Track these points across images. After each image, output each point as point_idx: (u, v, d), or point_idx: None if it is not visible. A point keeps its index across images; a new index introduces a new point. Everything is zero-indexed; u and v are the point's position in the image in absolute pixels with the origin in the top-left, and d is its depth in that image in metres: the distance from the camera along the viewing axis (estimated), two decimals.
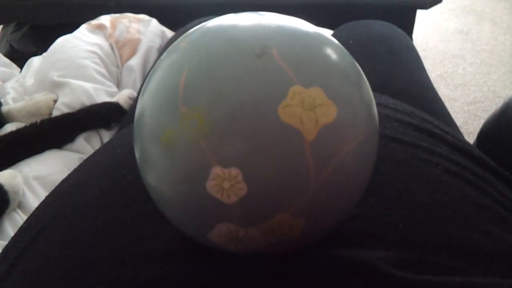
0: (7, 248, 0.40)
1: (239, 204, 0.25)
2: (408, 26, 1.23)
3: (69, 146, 0.84)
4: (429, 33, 2.20)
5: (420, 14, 1.26)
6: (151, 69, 0.91)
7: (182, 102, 0.25)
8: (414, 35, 1.28)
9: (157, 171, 0.27)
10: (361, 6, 1.21)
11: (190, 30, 0.30)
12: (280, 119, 0.24)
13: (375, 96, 0.53)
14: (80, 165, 0.47)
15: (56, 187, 0.45)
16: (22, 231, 0.41)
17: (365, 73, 0.75)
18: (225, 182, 0.24)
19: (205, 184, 0.25)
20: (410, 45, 0.84)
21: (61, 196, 0.43)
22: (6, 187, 0.68)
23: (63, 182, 0.46)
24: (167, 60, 0.28)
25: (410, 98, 0.67)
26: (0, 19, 1.45)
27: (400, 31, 0.87)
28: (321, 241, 0.30)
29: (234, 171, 0.24)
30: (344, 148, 0.25)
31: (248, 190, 0.24)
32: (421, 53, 0.84)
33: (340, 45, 0.30)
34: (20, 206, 0.71)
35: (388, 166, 0.40)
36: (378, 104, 0.50)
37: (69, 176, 0.46)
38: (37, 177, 0.76)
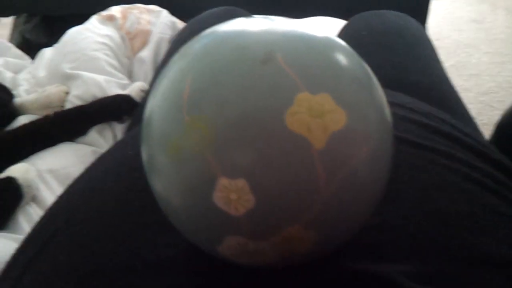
0: (19, 251, 0.40)
1: (247, 217, 0.24)
2: (422, 16, 1.21)
3: (81, 139, 0.84)
4: (442, 22, 2.17)
5: (432, 2, 1.24)
6: (161, 64, 0.89)
7: (187, 111, 0.25)
8: (426, 24, 1.26)
9: (163, 179, 0.26)
10: None
11: (200, 34, 0.29)
12: (286, 127, 0.23)
13: (390, 95, 0.52)
14: (93, 165, 0.47)
15: (69, 188, 0.45)
16: (35, 233, 0.41)
17: (379, 65, 0.75)
18: (232, 194, 0.24)
19: (212, 196, 0.24)
20: (424, 36, 0.83)
21: (73, 199, 0.43)
22: (20, 180, 0.68)
23: (75, 183, 0.45)
24: (175, 65, 0.28)
25: (425, 90, 0.66)
26: (12, 10, 1.45)
27: (414, 21, 0.85)
28: (336, 252, 0.30)
29: (241, 182, 0.23)
30: (356, 155, 0.25)
31: (256, 202, 0.24)
32: (434, 43, 0.83)
33: (349, 48, 0.29)
34: (34, 199, 0.71)
35: (406, 173, 0.39)
36: (394, 104, 0.49)
37: (81, 176, 0.46)
38: (51, 170, 0.76)
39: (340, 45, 0.28)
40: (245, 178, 0.23)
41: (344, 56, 0.27)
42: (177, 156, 0.25)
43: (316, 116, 0.24)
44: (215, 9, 0.94)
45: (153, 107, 0.27)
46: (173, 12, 1.14)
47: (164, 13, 1.11)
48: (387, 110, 0.28)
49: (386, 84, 0.61)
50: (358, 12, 0.90)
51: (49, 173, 0.76)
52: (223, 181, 0.24)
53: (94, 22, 1.05)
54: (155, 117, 0.27)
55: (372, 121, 0.26)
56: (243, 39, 0.26)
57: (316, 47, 0.26)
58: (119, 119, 0.88)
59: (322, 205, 0.24)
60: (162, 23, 1.07)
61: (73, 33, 1.01)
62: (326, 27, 1.22)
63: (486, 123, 1.54)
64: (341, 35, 0.86)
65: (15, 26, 1.54)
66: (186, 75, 0.26)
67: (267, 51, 0.25)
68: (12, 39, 1.50)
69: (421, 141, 0.42)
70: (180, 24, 1.11)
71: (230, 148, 0.23)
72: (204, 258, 0.31)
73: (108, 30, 1.03)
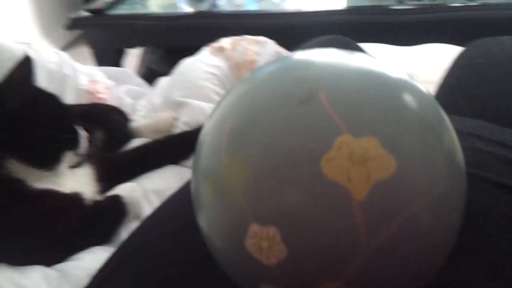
0: (102, 266, 0.43)
1: (280, 267, 0.23)
2: None
3: (185, 162, 0.89)
4: None
5: None
6: None
7: (225, 151, 0.24)
8: None
9: (204, 214, 0.26)
10: (495, 21, 1.10)
11: (256, 68, 0.29)
12: (323, 174, 0.21)
13: (494, 131, 0.46)
14: (181, 189, 0.49)
15: (157, 209, 0.47)
16: (118, 250, 0.44)
17: (493, 96, 0.67)
18: (263, 242, 0.22)
19: (244, 241, 0.23)
20: None
21: (155, 222, 0.44)
22: (126, 199, 0.74)
23: (162, 206, 0.47)
24: (228, 97, 0.28)
25: None
26: (139, 43, 1.60)
27: None
28: None
29: (272, 230, 0.22)
30: (408, 207, 0.22)
31: (288, 253, 0.22)
32: None
33: (422, 90, 0.26)
34: (138, 217, 0.76)
35: (493, 222, 0.34)
36: (495, 142, 0.43)
37: (168, 199, 0.48)
38: (155, 191, 0.81)
39: (410, 86, 0.25)
40: (276, 227, 0.22)
41: (412, 98, 0.24)
42: (215, 194, 0.25)
43: (358, 163, 0.21)
44: (320, 38, 0.93)
45: (204, 135, 0.28)
46: (280, 43, 1.16)
47: (270, 43, 1.14)
48: (459, 156, 0.25)
49: (498, 117, 0.55)
50: (476, 39, 0.84)
51: (153, 193, 0.81)
52: (254, 228, 0.23)
53: (205, 53, 1.11)
54: (202, 148, 0.27)
55: (436, 169, 0.23)
56: (290, 76, 0.25)
57: (374, 87, 0.24)
58: None
59: (364, 262, 0.22)
60: (267, 53, 1.10)
61: (186, 63, 1.08)
62: (436, 55, 1.15)
63: None
64: (455, 63, 0.80)
65: (142, 56, 1.70)
66: (227, 115, 0.26)
67: (308, 89, 0.24)
68: (138, 69, 1.66)
69: None
70: (285, 54, 1.13)
71: (261, 193, 0.22)
72: None
73: (218, 61, 1.09)
